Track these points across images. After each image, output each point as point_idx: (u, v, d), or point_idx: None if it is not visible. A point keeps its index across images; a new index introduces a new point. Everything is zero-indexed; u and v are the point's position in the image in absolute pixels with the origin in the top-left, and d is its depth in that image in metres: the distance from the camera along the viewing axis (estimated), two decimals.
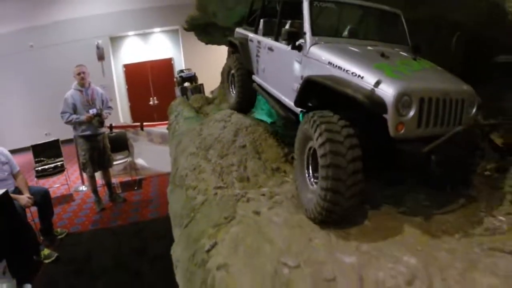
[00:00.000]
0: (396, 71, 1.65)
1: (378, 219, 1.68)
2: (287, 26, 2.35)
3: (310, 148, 1.76)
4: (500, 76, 2.13)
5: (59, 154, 6.15)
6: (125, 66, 11.38)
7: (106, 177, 5.66)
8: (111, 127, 6.10)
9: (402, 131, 1.53)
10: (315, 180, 1.74)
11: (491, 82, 2.00)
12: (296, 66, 2.15)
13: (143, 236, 4.65)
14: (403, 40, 2.31)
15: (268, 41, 2.63)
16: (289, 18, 2.44)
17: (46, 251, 4.13)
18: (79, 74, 5.01)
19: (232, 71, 3.16)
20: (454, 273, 1.26)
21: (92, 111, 4.99)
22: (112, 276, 3.78)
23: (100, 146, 5.30)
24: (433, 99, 1.57)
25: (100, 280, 3.72)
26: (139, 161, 6.74)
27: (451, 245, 1.43)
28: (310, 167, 1.79)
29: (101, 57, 10.61)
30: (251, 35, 3.03)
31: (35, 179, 5.79)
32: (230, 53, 3.77)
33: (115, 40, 11.06)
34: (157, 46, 11.49)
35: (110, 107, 5.44)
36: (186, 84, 7.06)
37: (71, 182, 6.73)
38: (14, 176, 4.29)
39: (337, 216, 1.56)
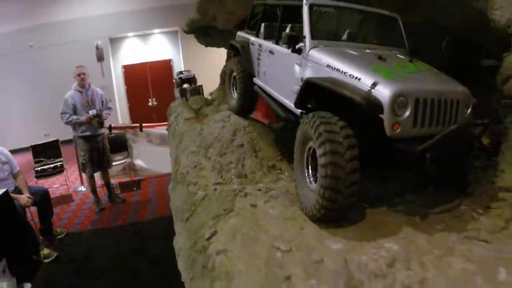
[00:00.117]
0: (393, 73, 1.70)
1: (368, 214, 1.78)
2: (287, 30, 2.39)
3: (309, 148, 1.81)
4: (486, 79, 2.20)
5: (58, 155, 6.16)
6: (125, 67, 11.38)
7: (105, 177, 5.68)
8: (110, 128, 6.11)
9: (398, 130, 1.57)
10: (314, 179, 1.78)
11: (478, 84, 2.07)
12: (296, 68, 2.18)
13: (142, 236, 4.68)
14: (401, 43, 2.36)
15: (269, 45, 2.66)
16: (290, 22, 2.48)
17: (45, 251, 4.15)
18: (79, 75, 5.04)
19: (234, 74, 3.20)
20: (432, 258, 1.38)
21: (92, 112, 5.01)
22: (111, 276, 3.81)
23: (99, 147, 5.32)
24: (428, 100, 1.62)
25: (99, 280, 3.75)
26: (138, 162, 6.75)
27: (431, 234, 1.56)
28: (310, 167, 1.83)
29: (100, 58, 10.62)
30: (252, 38, 3.06)
31: (35, 179, 5.80)
32: (230, 56, 3.81)
33: (115, 41, 11.07)
34: (157, 47, 11.50)
35: (109, 108, 5.47)
36: (185, 85, 7.07)
37: (70, 182, 6.73)
38: (14, 176, 4.31)
39: (335, 213, 1.60)
